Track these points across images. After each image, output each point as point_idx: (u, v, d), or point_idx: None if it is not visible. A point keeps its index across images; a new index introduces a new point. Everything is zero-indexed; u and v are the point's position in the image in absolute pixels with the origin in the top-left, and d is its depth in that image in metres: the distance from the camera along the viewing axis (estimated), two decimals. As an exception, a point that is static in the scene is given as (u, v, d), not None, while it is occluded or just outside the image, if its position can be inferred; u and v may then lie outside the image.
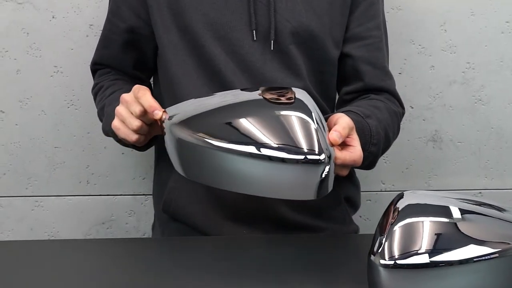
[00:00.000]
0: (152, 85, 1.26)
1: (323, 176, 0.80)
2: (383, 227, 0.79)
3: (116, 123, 0.94)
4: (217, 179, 0.85)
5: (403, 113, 1.17)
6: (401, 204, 0.81)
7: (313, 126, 0.82)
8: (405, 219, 0.78)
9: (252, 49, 1.06)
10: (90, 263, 0.93)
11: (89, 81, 1.24)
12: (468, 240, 0.77)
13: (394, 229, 0.77)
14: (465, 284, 0.76)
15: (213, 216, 1.09)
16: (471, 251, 0.75)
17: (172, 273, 0.88)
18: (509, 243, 0.77)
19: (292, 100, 0.87)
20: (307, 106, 0.85)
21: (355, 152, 0.87)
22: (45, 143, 1.42)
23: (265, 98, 0.88)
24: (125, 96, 0.92)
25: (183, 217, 1.11)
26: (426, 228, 0.77)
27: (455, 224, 0.78)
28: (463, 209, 0.81)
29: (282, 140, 0.81)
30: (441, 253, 0.75)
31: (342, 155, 0.85)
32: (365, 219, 1.47)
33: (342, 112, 0.97)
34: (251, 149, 0.81)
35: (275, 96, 0.88)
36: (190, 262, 0.91)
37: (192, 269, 0.88)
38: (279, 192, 0.84)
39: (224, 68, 1.06)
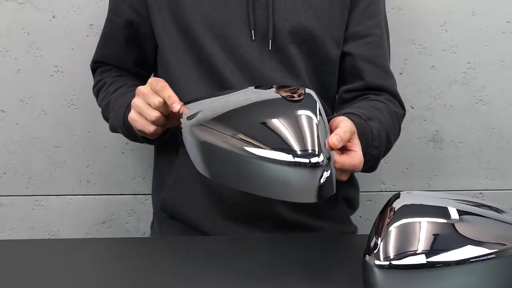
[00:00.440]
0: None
1: (323, 179, 0.80)
2: (379, 228, 0.79)
3: (133, 115, 0.95)
4: (229, 179, 0.86)
5: (403, 114, 1.16)
6: (397, 205, 0.81)
7: (314, 128, 0.81)
8: (401, 219, 0.78)
9: (250, 48, 1.06)
10: (90, 262, 0.93)
11: (90, 80, 1.25)
12: (464, 240, 0.76)
13: (390, 229, 0.77)
14: (461, 285, 0.76)
15: (211, 215, 1.09)
16: (467, 252, 0.75)
17: (171, 273, 0.88)
18: (505, 244, 0.77)
19: (301, 97, 0.87)
20: (312, 107, 0.84)
21: (355, 157, 0.86)
22: (45, 142, 1.42)
23: (283, 97, 0.88)
24: (141, 89, 0.94)
25: (180, 216, 1.12)
26: (422, 228, 0.77)
27: (452, 224, 0.78)
28: (460, 210, 0.81)
29: (281, 142, 0.81)
30: (437, 253, 0.74)
31: (341, 159, 0.84)
32: (365, 220, 1.46)
33: (343, 114, 0.96)
34: (255, 151, 0.81)
35: (290, 94, 0.89)
36: (189, 262, 0.91)
37: (190, 268, 0.89)
38: (281, 194, 0.83)
39: (222, 67, 1.06)
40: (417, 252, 0.75)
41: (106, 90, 1.14)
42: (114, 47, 1.17)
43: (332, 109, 1.17)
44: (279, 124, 0.83)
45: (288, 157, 0.79)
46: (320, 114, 0.84)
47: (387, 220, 0.79)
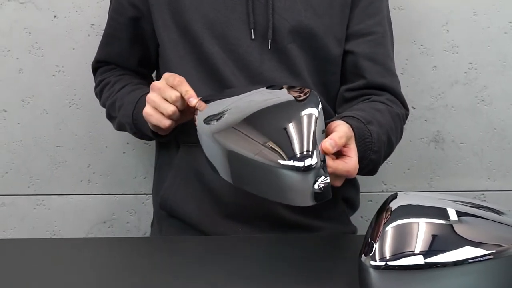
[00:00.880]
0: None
1: (318, 182, 0.79)
2: (375, 228, 0.79)
3: (148, 110, 0.96)
4: (234, 179, 0.86)
5: (406, 114, 1.15)
6: (393, 205, 0.81)
7: (311, 131, 0.81)
8: (397, 220, 0.78)
9: (250, 48, 1.06)
10: (91, 262, 0.94)
11: (91, 80, 1.25)
12: (461, 241, 0.76)
13: (386, 230, 0.77)
14: (458, 286, 0.75)
15: (210, 214, 1.09)
16: (464, 252, 0.75)
17: (170, 272, 0.88)
18: (502, 245, 0.77)
19: (305, 99, 0.87)
20: (313, 110, 0.84)
21: (349, 162, 0.84)
22: (47, 142, 1.43)
23: (295, 99, 0.88)
24: (157, 84, 0.96)
25: (179, 214, 1.12)
26: (418, 229, 0.77)
27: (449, 225, 0.78)
28: (457, 211, 0.80)
29: (277, 144, 0.80)
30: (433, 254, 0.74)
31: (334, 164, 0.82)
32: (366, 220, 1.46)
33: (342, 117, 0.96)
34: (252, 151, 0.81)
35: (298, 94, 0.89)
36: (187, 262, 0.91)
37: (189, 268, 0.89)
38: (279, 197, 0.83)
39: (222, 66, 1.06)
40: (414, 252, 0.74)
41: (110, 89, 1.14)
42: (117, 46, 1.17)
43: (334, 109, 1.16)
44: (278, 126, 0.83)
45: (281, 160, 0.79)
46: (319, 117, 0.83)
47: (384, 220, 0.78)
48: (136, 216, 1.48)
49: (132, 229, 1.48)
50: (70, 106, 1.41)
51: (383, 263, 0.74)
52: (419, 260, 0.74)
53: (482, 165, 1.48)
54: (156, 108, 0.96)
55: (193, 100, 0.93)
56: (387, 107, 1.07)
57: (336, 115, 1.15)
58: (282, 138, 0.81)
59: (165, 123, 0.96)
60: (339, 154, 0.84)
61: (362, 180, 1.45)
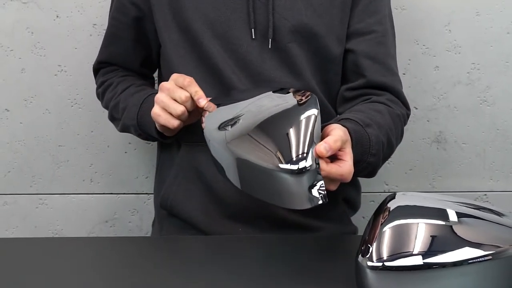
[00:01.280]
0: (157, 81, 1.27)
1: (311, 186, 0.79)
2: (372, 228, 0.78)
3: (157, 110, 0.97)
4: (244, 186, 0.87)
5: (408, 114, 1.14)
6: (391, 205, 0.81)
7: (308, 135, 0.81)
8: (395, 220, 0.78)
9: (250, 47, 1.06)
10: (92, 261, 0.94)
11: (93, 80, 1.25)
12: (459, 242, 0.76)
13: (384, 230, 0.77)
14: (456, 287, 0.75)
15: (210, 213, 1.09)
16: (462, 253, 0.75)
17: (169, 272, 0.88)
18: (501, 246, 0.76)
19: (305, 102, 0.87)
20: (310, 114, 0.84)
21: (344, 166, 0.83)
22: (49, 141, 1.43)
23: (298, 103, 0.89)
24: (165, 84, 0.97)
25: (180, 213, 1.12)
26: (416, 230, 0.76)
27: (446, 226, 0.77)
28: (456, 212, 0.80)
29: (272, 148, 0.81)
30: (431, 255, 0.74)
31: (328, 168, 0.81)
32: (368, 220, 1.45)
33: (340, 119, 0.95)
34: (259, 158, 0.81)
35: (301, 98, 0.89)
36: (187, 261, 0.92)
37: (188, 268, 0.89)
38: (275, 200, 0.84)
39: (222, 66, 1.06)
40: (411, 253, 0.74)
41: (113, 91, 1.14)
42: (120, 46, 1.17)
43: (335, 109, 1.16)
44: (275, 129, 0.83)
45: (279, 163, 0.79)
46: (315, 120, 0.83)
47: (381, 221, 0.78)
48: (138, 216, 1.48)
49: (134, 229, 1.49)
50: (72, 106, 1.41)
51: (380, 264, 0.74)
52: (416, 260, 0.74)
53: (484, 165, 1.47)
54: (165, 109, 0.96)
55: (203, 101, 0.94)
56: (387, 107, 1.06)
57: (337, 115, 1.14)
58: (282, 142, 0.81)
59: (174, 123, 0.96)
60: (334, 158, 0.84)
61: (364, 180, 1.44)
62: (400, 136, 1.09)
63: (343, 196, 1.16)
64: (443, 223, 0.77)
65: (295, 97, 0.90)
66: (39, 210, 1.46)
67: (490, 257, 0.75)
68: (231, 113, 0.91)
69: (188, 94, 0.94)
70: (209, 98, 0.95)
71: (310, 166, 0.78)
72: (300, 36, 1.07)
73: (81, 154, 1.44)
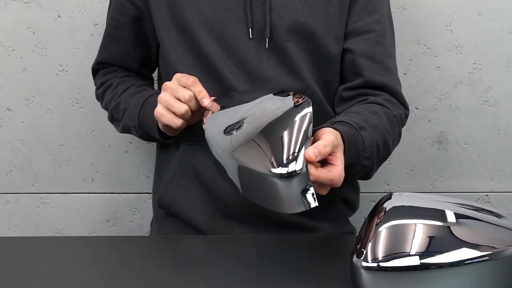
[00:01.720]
0: (156, 81, 1.27)
1: (301, 189, 0.79)
2: (368, 228, 0.78)
3: (160, 110, 0.97)
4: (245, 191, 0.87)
5: (406, 114, 1.13)
6: (387, 206, 0.80)
7: (297, 139, 0.81)
8: (391, 220, 0.78)
9: (247, 47, 1.06)
10: (93, 260, 0.94)
11: (94, 80, 1.26)
12: (456, 243, 0.75)
13: (379, 230, 0.76)
14: (452, 288, 0.75)
15: (207, 212, 1.09)
16: (459, 254, 0.74)
17: (167, 271, 0.88)
18: (498, 247, 0.76)
19: (298, 105, 0.87)
20: (303, 118, 0.84)
21: (334, 171, 0.82)
22: (50, 141, 1.43)
23: (295, 105, 0.88)
24: (169, 84, 0.97)
25: (177, 212, 1.12)
26: (411, 230, 0.76)
27: (443, 226, 0.77)
28: (453, 212, 0.80)
29: (263, 152, 0.81)
30: (427, 256, 0.74)
31: (317, 173, 0.80)
32: (369, 221, 1.45)
33: (335, 122, 0.95)
34: (241, 159, 0.82)
35: (297, 100, 0.89)
36: (184, 260, 0.92)
37: (185, 267, 0.90)
38: (266, 203, 0.84)
39: (220, 65, 1.06)
40: (406, 253, 0.74)
41: (113, 91, 1.14)
42: (120, 46, 1.17)
43: (334, 109, 1.15)
44: (277, 135, 0.83)
45: (271, 167, 0.79)
46: (308, 124, 0.83)
47: (377, 221, 0.78)
48: (138, 215, 1.48)
49: (135, 228, 1.49)
50: (73, 105, 1.42)
51: (375, 264, 0.74)
52: (412, 261, 0.74)
53: (486, 166, 1.47)
54: (168, 108, 0.96)
55: (206, 100, 0.94)
56: (384, 108, 1.05)
57: (336, 115, 1.14)
58: (276, 146, 0.81)
59: (177, 122, 0.96)
60: (324, 162, 0.83)
61: (365, 180, 1.45)
62: (397, 137, 1.09)
63: (341, 196, 1.16)
64: (438, 223, 0.77)
65: (293, 100, 0.90)
66: (41, 209, 1.47)
67: (487, 257, 0.75)
68: (235, 117, 0.90)
69: (191, 93, 0.95)
70: (213, 98, 0.95)
71: (300, 170, 0.78)
72: (298, 35, 1.07)
73: (82, 154, 1.44)
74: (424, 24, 1.40)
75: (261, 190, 0.83)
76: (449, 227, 0.77)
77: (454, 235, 0.76)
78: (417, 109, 1.43)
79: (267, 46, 1.06)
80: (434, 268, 0.74)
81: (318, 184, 0.82)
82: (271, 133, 0.84)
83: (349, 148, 0.90)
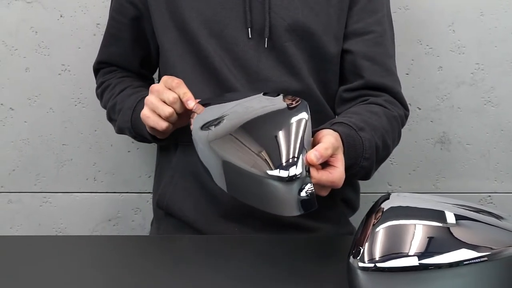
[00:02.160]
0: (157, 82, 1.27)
1: (303, 192, 0.78)
2: (365, 229, 0.78)
3: (146, 112, 0.96)
4: (230, 189, 0.87)
5: (406, 115, 1.13)
6: (385, 206, 0.80)
7: (298, 141, 0.80)
8: (388, 221, 0.77)
9: (247, 47, 1.06)
10: (95, 259, 0.95)
11: (96, 79, 1.26)
12: (454, 244, 0.75)
13: (376, 230, 0.76)
14: (450, 289, 0.75)
15: (206, 213, 1.09)
16: (457, 255, 0.74)
17: (165, 271, 0.88)
18: (496, 248, 0.76)
19: (294, 108, 0.87)
20: (300, 120, 0.83)
21: (334, 173, 0.82)
22: (53, 140, 1.44)
23: (288, 106, 0.88)
24: (155, 86, 0.96)
25: (176, 213, 1.12)
26: (410, 230, 0.76)
27: (441, 227, 0.77)
28: (451, 213, 0.79)
29: (262, 155, 0.80)
30: (424, 256, 0.73)
31: (318, 175, 0.81)
32: (370, 221, 1.45)
33: (334, 123, 0.95)
34: (245, 161, 0.81)
35: (291, 102, 0.89)
36: (183, 260, 0.92)
37: (184, 266, 0.90)
38: (264, 206, 0.83)
39: (219, 65, 1.06)
40: (403, 254, 0.74)
41: (111, 92, 1.14)
42: (119, 46, 1.18)
43: (333, 109, 1.15)
44: (267, 135, 0.83)
45: (267, 169, 0.78)
46: (306, 126, 0.82)
47: (374, 221, 0.78)
48: (140, 215, 1.49)
49: (137, 228, 1.49)
50: (75, 105, 1.42)
51: (372, 265, 0.73)
52: (409, 262, 0.73)
53: (489, 166, 1.46)
54: (154, 110, 0.96)
55: (191, 102, 0.93)
56: (384, 109, 1.05)
57: (335, 115, 1.14)
58: (270, 147, 0.81)
59: (162, 125, 0.95)
60: (325, 164, 0.83)
61: (367, 181, 1.44)
62: (397, 137, 1.09)
63: (341, 196, 1.15)
64: (435, 224, 0.77)
65: (284, 101, 0.89)
66: (43, 208, 1.47)
67: (485, 258, 0.75)
68: (217, 113, 0.90)
69: (176, 96, 0.94)
70: (198, 100, 0.94)
71: (300, 174, 0.78)
72: (297, 35, 1.06)
73: (84, 153, 1.45)
74: (426, 24, 1.39)
75: (251, 190, 0.82)
76: (447, 227, 0.77)
77: (452, 235, 0.76)
78: (420, 109, 1.43)
79: (266, 46, 1.06)
80: (432, 269, 0.73)
81: (319, 186, 0.82)
82: (259, 131, 0.84)
83: (348, 149, 0.90)
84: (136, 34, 1.15)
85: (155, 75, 1.27)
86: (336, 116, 1.13)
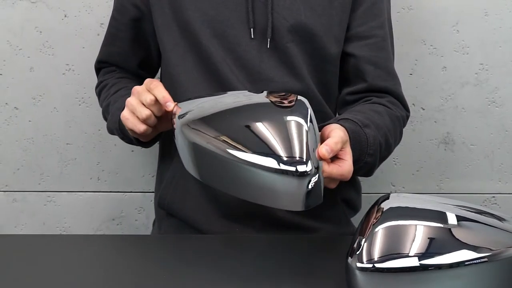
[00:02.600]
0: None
1: (309, 188, 0.79)
2: (363, 229, 0.78)
3: (125, 113, 0.95)
4: (217, 182, 0.87)
5: (407, 116, 1.14)
6: (385, 206, 0.80)
7: (304, 136, 0.80)
8: (387, 221, 0.77)
9: (249, 47, 1.06)
10: (98, 258, 0.95)
11: (100, 79, 1.27)
12: (453, 244, 0.75)
13: (375, 230, 0.76)
14: (449, 290, 0.75)
15: (207, 213, 1.09)
16: (456, 256, 0.74)
17: (166, 270, 0.89)
18: (496, 249, 0.76)
19: (292, 104, 0.86)
20: (303, 115, 0.84)
21: (344, 166, 0.84)
22: (57, 139, 1.44)
23: (272, 102, 0.88)
24: (137, 88, 0.95)
25: (177, 213, 1.12)
26: (408, 231, 0.76)
27: (440, 228, 0.77)
28: (450, 214, 0.79)
29: (269, 147, 0.80)
30: (423, 257, 0.73)
31: (329, 169, 0.83)
32: (374, 221, 1.45)
33: (339, 120, 0.95)
34: (242, 155, 0.80)
35: (279, 100, 0.88)
36: (183, 260, 0.92)
37: (184, 266, 0.90)
38: (267, 200, 0.83)
39: (221, 65, 1.06)
40: (402, 255, 0.73)
41: (107, 92, 1.15)
42: (118, 46, 1.18)
43: (334, 110, 1.16)
44: (269, 130, 0.82)
45: (276, 164, 0.78)
46: (311, 121, 0.83)
47: (373, 221, 0.78)
48: (144, 214, 1.49)
49: (141, 227, 1.50)
50: (79, 104, 1.43)
51: (370, 265, 0.73)
52: (409, 262, 0.73)
53: (493, 167, 1.45)
54: (133, 112, 0.94)
55: (170, 104, 0.90)
56: (387, 109, 1.06)
57: (336, 115, 1.14)
58: (277, 141, 0.81)
59: (140, 128, 0.94)
60: (334, 157, 0.85)
61: (370, 181, 1.44)
62: (398, 137, 1.09)
63: (342, 196, 1.15)
64: (435, 224, 0.77)
65: (268, 97, 0.89)
66: (47, 207, 1.48)
67: (485, 259, 0.75)
68: (190, 106, 0.89)
69: (153, 97, 0.91)
70: (177, 102, 0.91)
71: (311, 170, 0.78)
72: (298, 36, 1.06)
73: (88, 152, 1.45)
74: (430, 24, 1.39)
75: (249, 184, 0.81)
76: (446, 228, 0.76)
77: (453, 236, 0.76)
78: (423, 109, 1.42)
79: (268, 46, 1.06)
80: (432, 269, 0.73)
81: (328, 179, 0.84)
82: (242, 121, 0.84)
83: (353, 145, 0.91)
84: (135, 34, 1.15)
85: (157, 76, 1.27)
86: (337, 116, 1.13)
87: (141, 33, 1.15)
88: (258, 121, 0.83)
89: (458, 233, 0.76)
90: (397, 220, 0.77)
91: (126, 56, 1.18)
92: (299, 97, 0.88)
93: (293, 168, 0.77)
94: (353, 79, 1.12)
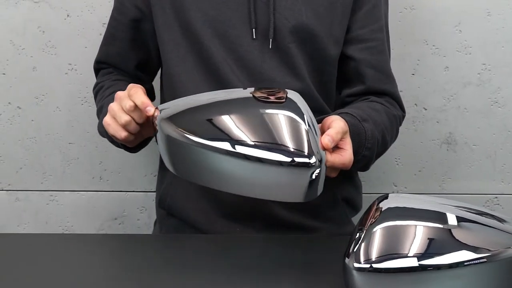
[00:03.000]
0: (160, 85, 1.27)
1: (313, 179, 0.81)
2: (361, 229, 0.78)
3: (107, 119, 0.94)
4: (205, 177, 0.86)
5: (403, 116, 1.16)
6: (383, 206, 0.80)
7: (304, 128, 0.82)
8: (386, 221, 0.77)
9: (250, 47, 1.06)
10: (100, 257, 0.96)
11: (103, 79, 1.27)
12: (453, 245, 0.75)
13: (373, 231, 0.76)
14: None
15: (207, 213, 1.10)
16: (455, 256, 0.74)
17: (166, 269, 0.89)
18: (495, 249, 0.75)
19: (283, 100, 0.87)
20: (299, 108, 0.85)
21: (345, 155, 0.88)
22: (59, 139, 1.45)
23: (254, 97, 0.88)
24: (119, 93, 0.94)
25: (177, 213, 1.13)
26: (407, 231, 0.76)
27: (439, 228, 0.77)
28: (450, 214, 0.79)
29: (272, 140, 0.81)
30: (421, 258, 0.73)
31: (332, 158, 0.86)
32: (375, 221, 1.44)
33: (338, 113, 0.97)
34: (241, 149, 0.81)
35: (265, 95, 0.88)
36: (184, 259, 0.93)
37: (185, 265, 0.91)
38: (267, 193, 0.84)
39: (222, 65, 1.06)
40: (402, 255, 0.73)
41: (101, 94, 1.14)
42: (117, 46, 1.17)
43: (332, 110, 1.16)
44: (267, 124, 0.83)
45: (282, 157, 0.79)
46: (307, 113, 0.84)
47: (371, 221, 0.78)
48: (146, 213, 1.49)
49: (143, 226, 1.50)
50: (82, 104, 1.43)
51: (367, 265, 0.73)
52: (406, 262, 0.73)
53: (495, 168, 1.45)
54: (114, 118, 0.93)
55: (150, 109, 0.88)
56: (385, 107, 1.08)
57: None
58: (274, 135, 0.81)
59: (121, 134, 0.92)
60: (335, 147, 0.87)
61: (372, 181, 1.44)
62: (395, 135, 1.11)
63: (342, 196, 1.16)
64: (433, 225, 0.77)
65: (255, 93, 0.89)
66: (50, 206, 1.49)
67: (484, 260, 0.74)
68: (171, 104, 0.90)
69: (132, 104, 0.90)
70: (157, 107, 0.90)
71: (315, 162, 0.80)
72: (299, 36, 1.07)
73: (91, 152, 1.46)
74: (433, 24, 1.39)
75: (248, 178, 0.82)
76: (445, 229, 0.77)
77: (452, 237, 0.76)
78: (425, 109, 1.42)
79: (270, 46, 1.06)
80: (431, 270, 0.73)
81: (330, 168, 0.86)
82: (255, 117, 0.84)
83: (352, 137, 0.93)
84: (134, 35, 1.15)
85: (157, 77, 1.26)
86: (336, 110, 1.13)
87: (141, 34, 1.15)
88: (258, 116, 0.84)
89: (457, 234, 0.76)
90: (395, 220, 0.77)
91: (125, 56, 1.18)
92: (291, 92, 0.89)
93: (299, 160, 0.79)
94: (353, 81, 1.13)
